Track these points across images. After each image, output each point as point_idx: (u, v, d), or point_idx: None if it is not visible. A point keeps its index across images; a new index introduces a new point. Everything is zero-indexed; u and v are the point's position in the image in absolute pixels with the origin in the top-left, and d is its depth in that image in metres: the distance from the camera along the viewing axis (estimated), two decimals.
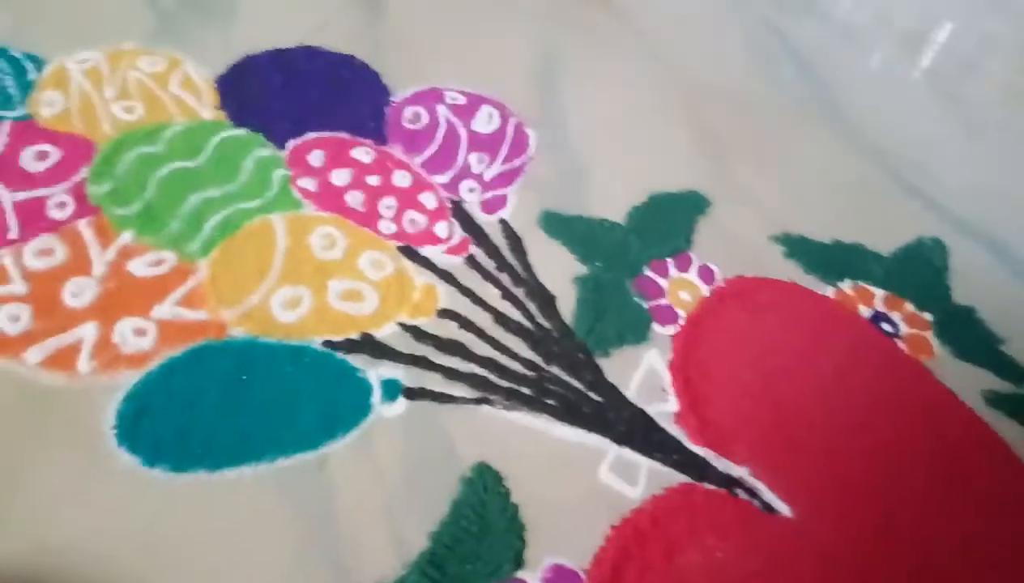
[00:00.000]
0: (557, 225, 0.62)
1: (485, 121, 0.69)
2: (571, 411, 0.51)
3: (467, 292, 0.56)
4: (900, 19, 0.96)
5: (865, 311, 0.60)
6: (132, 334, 0.49)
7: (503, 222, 0.61)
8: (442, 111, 0.69)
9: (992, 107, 0.87)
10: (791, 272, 0.62)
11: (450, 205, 0.62)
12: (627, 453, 0.50)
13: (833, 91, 0.83)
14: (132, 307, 0.51)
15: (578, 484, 0.48)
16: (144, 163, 0.59)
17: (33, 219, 0.54)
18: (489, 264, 0.58)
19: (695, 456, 0.50)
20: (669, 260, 0.61)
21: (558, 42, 0.79)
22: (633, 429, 0.51)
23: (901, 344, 0.59)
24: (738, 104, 0.78)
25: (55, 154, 0.58)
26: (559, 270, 0.59)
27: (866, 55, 0.90)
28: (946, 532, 0.49)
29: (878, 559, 0.47)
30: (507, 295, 0.57)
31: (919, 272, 0.65)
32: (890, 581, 0.47)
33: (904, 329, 0.60)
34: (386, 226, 0.59)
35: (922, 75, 0.89)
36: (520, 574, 0.44)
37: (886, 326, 0.60)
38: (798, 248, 0.64)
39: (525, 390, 0.52)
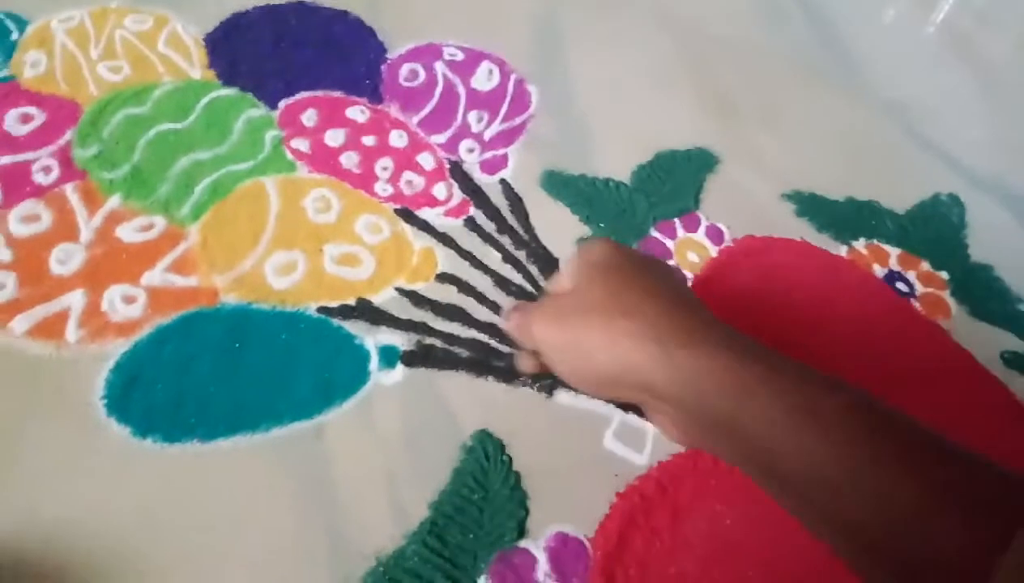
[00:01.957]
0: (560, 185, 0.60)
1: (485, 78, 0.67)
2: None
3: (467, 255, 0.54)
4: None
5: (879, 270, 0.58)
6: (121, 301, 0.48)
7: (504, 182, 0.59)
8: (440, 68, 0.66)
9: (1007, 60, 0.84)
10: (802, 231, 0.60)
11: (449, 165, 0.60)
12: (632, 419, 0.48)
13: (845, 46, 0.80)
14: (121, 274, 0.49)
15: (582, 451, 0.47)
16: (131, 125, 0.57)
17: (17, 184, 0.52)
18: (489, 226, 0.56)
19: None
20: (676, 220, 0.59)
21: None
22: None
23: (916, 304, 0.57)
24: (747, 60, 0.75)
25: (39, 117, 0.56)
26: (562, 232, 0.57)
27: (879, 8, 0.87)
28: None
29: None
30: (508, 258, 0.55)
31: (935, 229, 0.62)
32: None
33: (920, 288, 0.58)
34: (382, 188, 0.57)
35: (936, 28, 0.86)
36: (523, 543, 0.43)
37: (901, 285, 0.58)
38: (809, 206, 0.62)
39: None
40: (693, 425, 0.34)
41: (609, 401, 0.48)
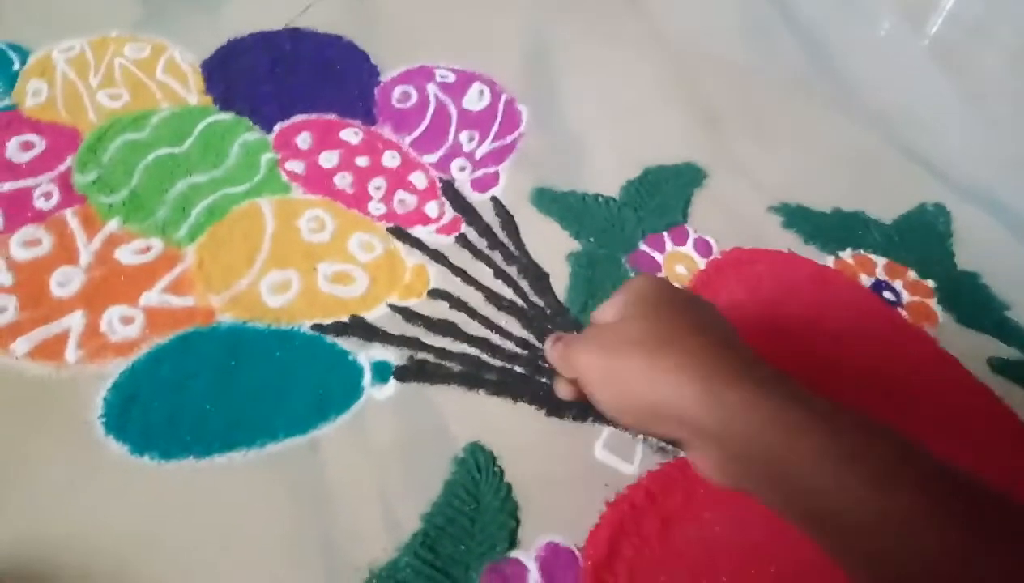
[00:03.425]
0: (550, 201, 0.61)
1: (476, 98, 0.68)
2: None
3: (458, 271, 0.56)
4: None
5: (866, 279, 0.59)
6: (119, 322, 0.49)
7: (495, 200, 0.60)
8: (431, 89, 0.68)
9: (997, 72, 0.85)
10: (790, 242, 0.61)
11: (440, 184, 0.61)
12: (622, 430, 0.49)
13: (833, 61, 0.81)
14: (119, 295, 0.50)
15: (573, 462, 0.48)
16: (130, 150, 0.58)
17: (19, 210, 0.54)
18: (480, 243, 0.58)
19: None
20: (665, 234, 0.60)
21: (550, 17, 0.78)
22: None
23: (903, 312, 0.58)
24: (735, 76, 0.76)
25: (40, 144, 0.58)
26: (552, 247, 0.58)
27: (869, 24, 0.88)
28: None
29: None
30: (499, 273, 0.56)
31: (921, 239, 0.63)
32: None
33: (906, 297, 0.59)
34: (375, 207, 0.58)
35: (929, 42, 0.87)
36: (514, 553, 0.43)
37: (888, 294, 0.58)
38: (797, 218, 0.63)
39: (518, 369, 0.51)
40: (733, 464, 0.34)
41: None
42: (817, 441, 0.31)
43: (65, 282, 0.50)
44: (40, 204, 0.54)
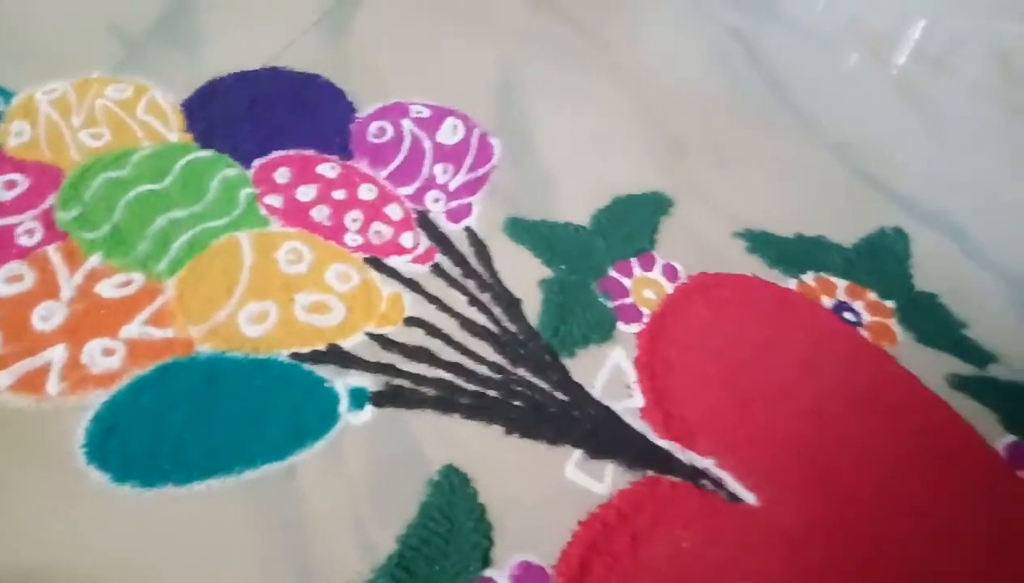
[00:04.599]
0: (522, 231, 0.63)
1: (450, 132, 0.70)
2: (537, 411, 0.52)
3: (433, 299, 0.57)
4: (869, 20, 0.98)
5: (827, 301, 0.61)
6: (101, 354, 0.50)
7: (468, 230, 0.62)
8: (407, 125, 0.70)
9: (956, 102, 0.88)
10: (754, 266, 0.63)
11: (415, 215, 0.63)
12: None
13: (796, 92, 0.84)
14: (100, 328, 0.51)
15: (545, 482, 0.49)
16: (111, 187, 0.60)
17: (2, 247, 0.55)
18: (455, 271, 0.59)
19: (660, 450, 0.51)
20: (633, 260, 0.62)
21: (521, 54, 0.81)
22: (599, 426, 0.52)
23: (864, 332, 0.60)
24: (700, 108, 0.79)
25: (23, 183, 0.59)
26: (524, 274, 0.60)
27: (831, 56, 0.91)
28: (908, 515, 0.50)
29: (841, 544, 0.48)
30: (473, 301, 0.58)
31: (881, 261, 0.66)
32: (854, 565, 0.47)
33: (866, 317, 0.61)
34: (352, 239, 0.60)
35: (897, 72, 0.90)
36: (488, 573, 0.45)
37: (848, 315, 0.61)
38: (760, 243, 0.65)
39: (492, 393, 0.52)
40: None
41: None
42: None
43: (47, 316, 0.51)
44: (23, 241, 0.55)
